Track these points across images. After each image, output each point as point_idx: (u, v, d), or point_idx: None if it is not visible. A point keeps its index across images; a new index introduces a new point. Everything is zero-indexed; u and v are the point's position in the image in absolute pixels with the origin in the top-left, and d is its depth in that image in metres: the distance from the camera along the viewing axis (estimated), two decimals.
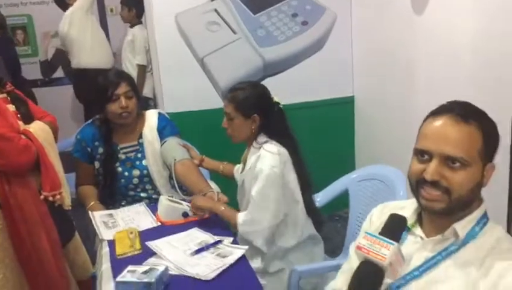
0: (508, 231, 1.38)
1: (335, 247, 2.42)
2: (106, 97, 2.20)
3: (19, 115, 1.86)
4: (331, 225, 3.16)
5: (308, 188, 2.04)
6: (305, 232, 2.02)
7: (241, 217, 1.92)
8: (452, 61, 2.35)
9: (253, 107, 1.95)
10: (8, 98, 1.88)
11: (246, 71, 3.20)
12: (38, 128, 1.85)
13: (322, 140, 3.35)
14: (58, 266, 1.87)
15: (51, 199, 1.81)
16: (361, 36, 3.27)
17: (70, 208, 1.97)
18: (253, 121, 1.96)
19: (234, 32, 3.18)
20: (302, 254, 2.02)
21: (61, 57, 4.58)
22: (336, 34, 3.31)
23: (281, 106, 2.02)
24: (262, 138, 1.96)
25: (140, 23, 4.20)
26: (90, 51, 4.31)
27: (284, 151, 1.93)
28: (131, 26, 4.28)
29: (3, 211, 1.72)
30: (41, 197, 1.78)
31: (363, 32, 3.25)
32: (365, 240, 1.05)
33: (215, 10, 3.14)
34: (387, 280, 1.16)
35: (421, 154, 1.13)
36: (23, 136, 1.77)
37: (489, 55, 2.11)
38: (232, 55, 3.17)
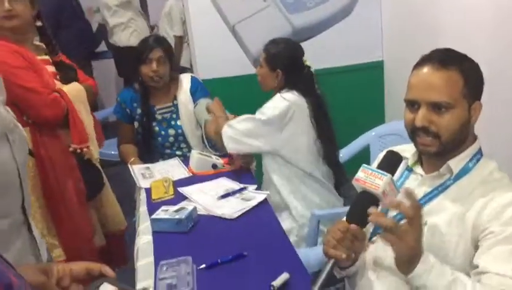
0: None
1: None
2: (141, 59, 2.38)
3: (57, 76, 2.04)
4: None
5: (330, 143, 2.17)
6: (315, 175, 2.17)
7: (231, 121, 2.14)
8: (475, 22, 2.39)
9: (280, 63, 2.10)
10: (50, 60, 2.05)
11: (276, 37, 3.30)
12: (71, 88, 2.03)
13: (352, 105, 3.42)
14: (83, 215, 2.04)
15: (78, 151, 1.98)
16: (390, 1, 3.30)
17: (98, 161, 2.14)
18: (277, 75, 2.10)
19: (264, 0, 3.28)
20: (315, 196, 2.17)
21: (104, 32, 4.80)
22: None
23: (311, 69, 2.15)
24: (285, 91, 2.10)
25: None
26: (128, 34, 4.52)
27: (299, 101, 2.06)
28: None
29: (36, 160, 1.90)
30: (70, 149, 1.96)
31: None
32: (362, 172, 1.18)
33: None
34: (390, 213, 1.31)
35: (411, 104, 1.25)
36: (55, 93, 1.94)
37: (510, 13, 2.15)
38: (262, 22, 3.27)
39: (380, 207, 1.19)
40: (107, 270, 0.92)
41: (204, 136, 2.40)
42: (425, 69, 1.23)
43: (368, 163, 1.22)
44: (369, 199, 1.16)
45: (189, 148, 2.50)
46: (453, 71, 1.20)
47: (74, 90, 2.02)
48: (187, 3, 3.26)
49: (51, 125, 1.94)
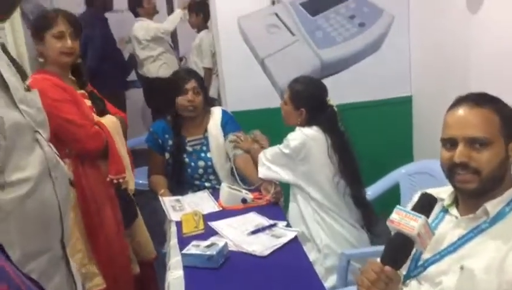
0: None
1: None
2: (176, 90, 2.44)
3: (94, 110, 2.12)
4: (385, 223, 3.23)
5: (356, 180, 2.17)
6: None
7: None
8: (507, 59, 2.39)
9: (303, 102, 2.14)
10: (86, 94, 2.14)
11: (304, 71, 3.32)
12: (109, 120, 2.10)
13: (379, 141, 3.42)
14: (121, 244, 2.09)
15: (115, 181, 2.03)
16: (419, 37, 3.32)
17: (133, 191, 2.20)
18: (300, 114, 2.14)
19: (293, 34, 3.34)
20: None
21: (134, 62, 4.93)
22: (393, 35, 3.39)
23: (334, 108, 2.19)
24: (306, 126, 2.15)
25: (207, 28, 4.45)
26: (158, 66, 4.65)
27: (318, 136, 2.09)
28: (198, 31, 4.55)
29: (76, 190, 1.96)
30: (108, 179, 2.02)
31: (420, 32, 3.30)
32: (396, 214, 1.18)
33: (276, 14, 3.32)
34: (424, 256, 1.30)
35: (448, 143, 1.26)
36: (95, 126, 2.02)
37: None
38: (291, 56, 3.33)
39: (414, 249, 1.18)
40: None
41: (234, 170, 2.43)
42: (461, 108, 1.26)
43: (398, 202, 1.22)
44: (404, 241, 1.16)
45: (218, 181, 2.52)
46: (488, 110, 1.23)
47: (111, 122, 2.09)
48: (218, 37, 3.34)
49: (92, 157, 2.01)
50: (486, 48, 2.56)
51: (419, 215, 1.15)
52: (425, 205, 1.22)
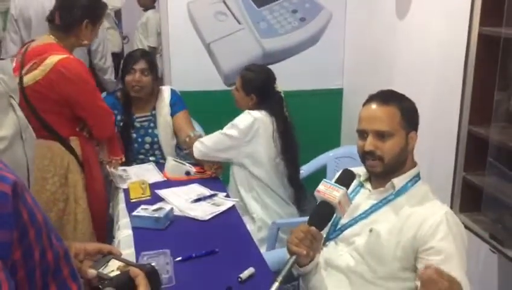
0: (451, 206, 1.82)
1: None
2: (126, 69, 2.57)
3: None
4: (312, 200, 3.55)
5: (294, 163, 2.42)
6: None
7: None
8: (424, 62, 2.73)
9: (254, 89, 2.34)
10: None
11: (247, 59, 3.55)
12: None
13: (312, 126, 3.70)
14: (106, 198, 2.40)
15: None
16: (353, 34, 3.63)
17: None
18: (251, 99, 2.35)
19: (239, 23, 3.53)
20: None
21: None
22: (330, 30, 3.67)
23: (281, 94, 2.41)
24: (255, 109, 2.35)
25: (154, 7, 4.53)
26: None
27: (265, 119, 2.31)
28: (145, 10, 4.62)
29: (85, 169, 2.20)
30: (108, 159, 2.38)
31: (354, 30, 3.60)
32: (323, 185, 1.43)
33: (224, 2, 3.50)
34: (342, 221, 1.56)
35: (361, 133, 1.53)
36: None
37: (452, 58, 2.49)
38: (236, 43, 3.52)
39: (335, 215, 1.45)
40: (115, 250, 1.12)
41: (180, 145, 2.61)
42: (371, 105, 1.54)
43: None
44: (327, 207, 1.41)
45: (163, 156, 2.68)
46: (392, 106, 1.52)
47: None
48: (166, 18, 3.46)
49: (100, 140, 2.33)
50: (408, 52, 2.89)
51: (341, 187, 1.41)
52: (346, 179, 1.48)
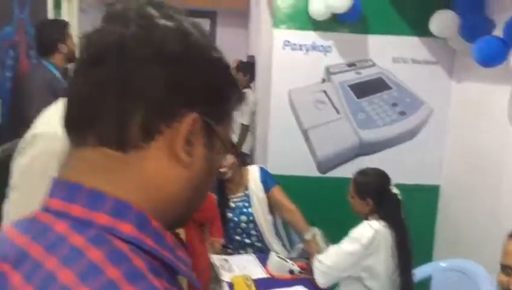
0: None
1: None
2: None
3: None
4: None
5: (407, 271, 2.28)
6: None
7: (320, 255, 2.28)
8: None
9: (369, 193, 2.27)
10: None
11: (343, 147, 3.55)
12: None
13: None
14: None
15: None
16: (455, 133, 3.53)
17: None
18: (367, 204, 2.28)
19: (338, 112, 3.55)
20: None
21: None
22: (430, 126, 3.60)
23: (398, 196, 2.32)
24: (372, 218, 2.26)
25: (250, 87, 4.68)
26: None
27: (385, 233, 2.22)
28: (242, 89, 4.78)
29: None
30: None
31: (457, 129, 3.50)
32: None
33: (324, 91, 3.55)
34: None
35: (505, 268, 1.42)
36: None
37: None
38: (333, 132, 3.53)
39: None
40: None
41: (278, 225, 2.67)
42: None
43: None
44: None
45: (259, 238, 2.71)
46: None
47: None
48: (268, 103, 3.56)
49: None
50: None
51: None
52: None
